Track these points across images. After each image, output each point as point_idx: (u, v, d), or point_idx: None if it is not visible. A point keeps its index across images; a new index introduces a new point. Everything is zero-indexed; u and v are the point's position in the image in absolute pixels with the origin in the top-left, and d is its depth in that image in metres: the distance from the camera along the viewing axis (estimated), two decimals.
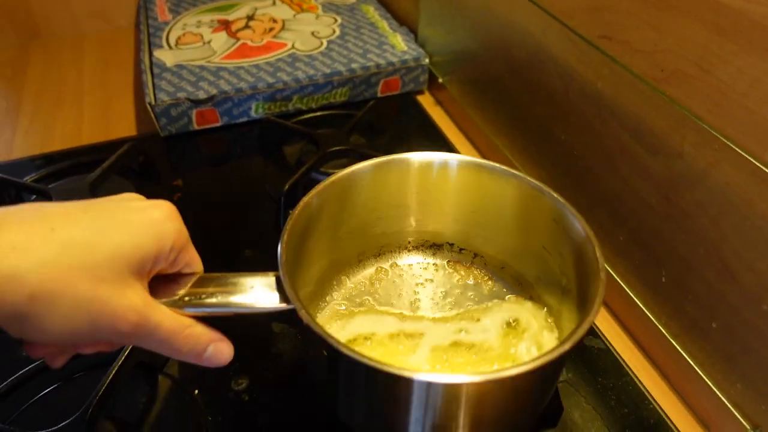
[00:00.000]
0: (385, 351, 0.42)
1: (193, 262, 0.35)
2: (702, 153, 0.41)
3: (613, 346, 0.50)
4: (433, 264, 0.51)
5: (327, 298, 0.48)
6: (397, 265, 0.51)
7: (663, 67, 0.43)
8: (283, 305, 0.35)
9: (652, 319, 0.49)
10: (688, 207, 0.43)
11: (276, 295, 0.35)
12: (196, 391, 0.46)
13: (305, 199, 0.42)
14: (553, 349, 0.32)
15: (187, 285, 0.34)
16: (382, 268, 0.51)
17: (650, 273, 0.49)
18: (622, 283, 0.52)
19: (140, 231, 0.30)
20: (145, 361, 0.46)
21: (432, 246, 0.52)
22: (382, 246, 0.51)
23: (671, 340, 0.47)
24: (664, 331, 0.48)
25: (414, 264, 0.51)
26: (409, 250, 0.52)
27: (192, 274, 0.35)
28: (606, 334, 0.51)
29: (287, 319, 0.51)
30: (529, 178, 0.44)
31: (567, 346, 0.32)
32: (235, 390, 0.46)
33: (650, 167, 0.46)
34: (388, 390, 0.34)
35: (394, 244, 0.51)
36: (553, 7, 0.54)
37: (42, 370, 0.46)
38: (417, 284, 0.49)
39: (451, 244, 0.51)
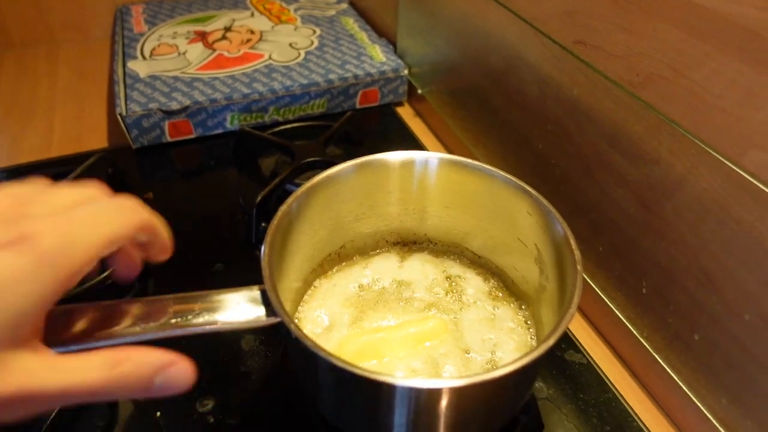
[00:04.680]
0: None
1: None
2: (679, 158, 0.40)
3: (594, 361, 0.48)
4: (411, 262, 0.51)
5: (306, 303, 0.47)
6: (374, 264, 0.50)
7: (638, 72, 0.42)
8: (271, 320, 0.35)
9: (634, 332, 0.47)
10: (666, 215, 0.42)
11: (262, 310, 0.35)
12: (158, 414, 0.43)
13: (283, 207, 0.41)
14: (532, 350, 0.33)
15: (171, 307, 0.34)
16: (360, 269, 0.50)
17: (631, 284, 0.47)
18: (602, 295, 0.50)
19: None
20: None
21: (409, 243, 0.52)
22: (360, 246, 0.50)
23: (654, 353, 0.45)
24: (646, 344, 0.46)
25: (393, 263, 0.50)
26: (387, 249, 0.52)
27: (170, 297, 0.34)
28: (587, 348, 0.49)
29: (257, 336, 0.49)
30: (502, 173, 0.44)
31: (546, 346, 0.33)
32: (200, 411, 0.44)
33: (628, 174, 0.45)
34: (373, 395, 0.35)
35: (372, 244, 0.51)
36: (528, 13, 0.53)
37: None
38: (395, 284, 0.49)
39: (434, 243, 0.52)
